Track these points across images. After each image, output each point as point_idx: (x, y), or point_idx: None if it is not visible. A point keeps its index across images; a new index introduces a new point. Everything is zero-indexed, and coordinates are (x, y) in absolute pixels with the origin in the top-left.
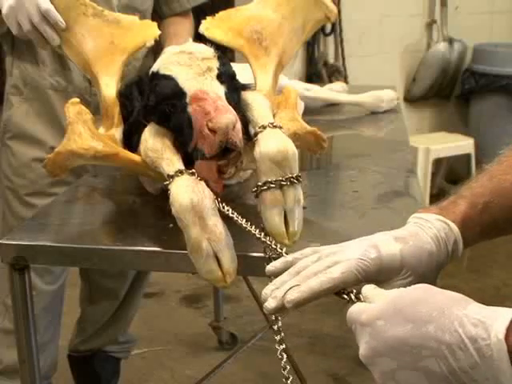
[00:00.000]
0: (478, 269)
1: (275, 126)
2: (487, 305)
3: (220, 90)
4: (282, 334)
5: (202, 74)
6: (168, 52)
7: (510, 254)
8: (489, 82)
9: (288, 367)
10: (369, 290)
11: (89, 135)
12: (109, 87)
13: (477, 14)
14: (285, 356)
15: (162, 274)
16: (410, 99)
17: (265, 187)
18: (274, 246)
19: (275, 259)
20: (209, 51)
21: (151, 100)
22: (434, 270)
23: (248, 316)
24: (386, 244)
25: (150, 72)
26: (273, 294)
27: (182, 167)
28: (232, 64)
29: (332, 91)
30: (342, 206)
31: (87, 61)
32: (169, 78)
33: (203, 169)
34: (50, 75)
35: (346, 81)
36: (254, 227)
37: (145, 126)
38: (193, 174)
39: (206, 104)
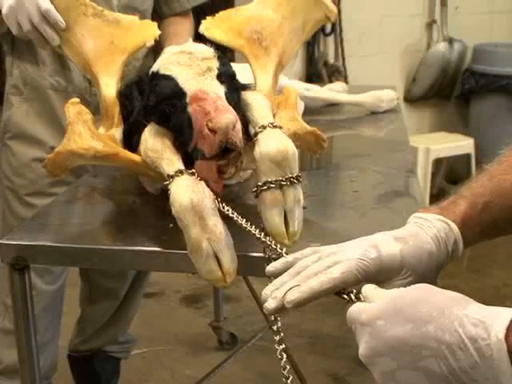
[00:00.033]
0: (478, 269)
1: (275, 126)
2: (487, 305)
3: (220, 90)
4: (282, 334)
5: (201, 74)
6: (168, 52)
7: (510, 254)
8: (489, 82)
9: (288, 367)
10: (369, 289)
11: (89, 135)
12: (109, 87)
13: (477, 13)
14: (284, 356)
15: (162, 273)
16: (410, 99)
17: (265, 187)
18: (273, 246)
19: (275, 259)
20: (209, 51)
21: (151, 100)
22: (434, 269)
23: (248, 316)
24: (386, 244)
25: (150, 72)
26: (273, 294)
27: (182, 167)
28: (232, 64)
29: (332, 91)
30: (342, 205)
31: (87, 61)
32: (169, 78)
33: (203, 169)
34: (50, 75)
35: (346, 81)
36: (253, 227)
37: (145, 126)
38: (193, 173)
39: (206, 104)
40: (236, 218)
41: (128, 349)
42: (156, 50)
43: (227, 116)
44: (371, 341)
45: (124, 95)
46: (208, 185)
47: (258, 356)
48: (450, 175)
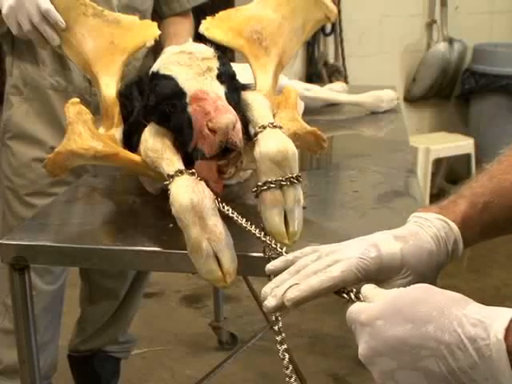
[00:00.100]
0: (478, 269)
1: (275, 126)
2: (487, 305)
3: (220, 90)
4: (284, 335)
5: (202, 74)
6: (168, 52)
7: (510, 254)
8: (489, 82)
9: (291, 367)
10: (368, 289)
11: (89, 135)
12: (109, 87)
13: (477, 13)
14: (287, 356)
15: (162, 273)
16: (410, 99)
17: (265, 187)
18: (273, 246)
19: (275, 259)
20: (209, 51)
21: (151, 100)
22: (434, 269)
23: (248, 316)
24: (386, 243)
25: (150, 72)
26: (272, 292)
27: (182, 167)
28: (232, 64)
29: (332, 91)
30: (342, 205)
31: (87, 61)
32: (169, 78)
33: (203, 169)
34: (50, 75)
35: (346, 81)
36: (254, 227)
37: (145, 126)
38: (193, 174)
39: (206, 104)
40: (236, 218)
41: (128, 349)
42: (156, 50)
43: (227, 116)
44: (371, 341)
45: (124, 95)
46: (208, 185)
47: (258, 356)
48: (450, 175)
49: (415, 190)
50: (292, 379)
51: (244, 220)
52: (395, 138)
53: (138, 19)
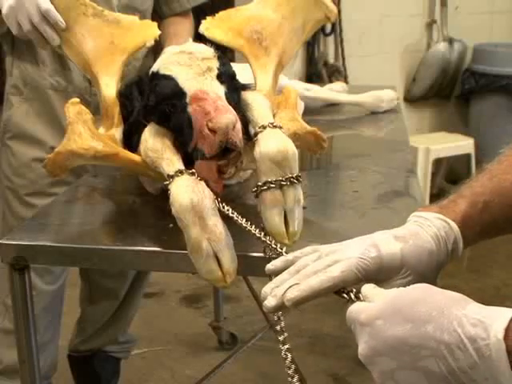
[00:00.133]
0: (478, 269)
1: (275, 126)
2: (487, 305)
3: (220, 90)
4: (286, 334)
5: (201, 74)
6: (168, 52)
7: (510, 254)
8: (489, 82)
9: (293, 366)
10: (368, 289)
11: (89, 135)
12: (109, 87)
13: (477, 14)
14: (289, 356)
15: (162, 273)
16: (410, 99)
17: (265, 187)
18: (273, 246)
19: (275, 259)
20: (209, 51)
21: (151, 100)
22: (434, 269)
23: (248, 316)
24: (386, 243)
25: (150, 72)
26: (272, 292)
27: (182, 167)
28: (232, 64)
29: (332, 91)
30: (342, 205)
31: (87, 61)
32: (169, 78)
33: (203, 169)
34: (50, 75)
35: (346, 81)
36: (254, 227)
37: (145, 126)
38: (193, 174)
39: (206, 104)
40: (236, 218)
41: (128, 349)
42: (156, 50)
43: (227, 116)
44: (370, 340)
45: (124, 95)
46: (208, 185)
47: (258, 356)
48: (450, 175)
49: (415, 190)
50: (294, 379)
51: (244, 220)
52: (395, 138)
53: (137, 19)
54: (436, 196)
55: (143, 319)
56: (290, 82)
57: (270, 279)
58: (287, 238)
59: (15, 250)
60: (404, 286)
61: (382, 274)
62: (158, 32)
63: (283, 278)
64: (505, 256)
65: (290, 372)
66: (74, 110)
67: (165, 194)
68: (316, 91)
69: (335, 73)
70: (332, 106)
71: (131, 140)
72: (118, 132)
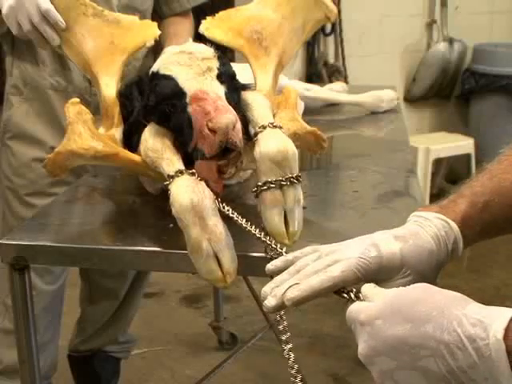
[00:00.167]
0: (478, 269)
1: (275, 126)
2: (487, 305)
3: (220, 90)
4: (289, 334)
5: (201, 74)
6: (168, 52)
7: (510, 254)
8: (489, 82)
9: (296, 366)
10: (368, 288)
11: (89, 135)
12: (109, 87)
13: (477, 14)
14: (292, 356)
15: (162, 273)
16: (410, 99)
17: (265, 187)
18: (274, 246)
19: (276, 259)
20: (209, 51)
21: (151, 100)
22: (434, 268)
23: (248, 316)
24: (386, 243)
25: (150, 72)
26: (273, 292)
27: (182, 167)
28: (232, 64)
29: (332, 91)
30: (342, 205)
31: (87, 61)
32: (169, 78)
33: (203, 169)
34: (50, 75)
35: (346, 81)
36: (254, 227)
37: (145, 126)
38: (193, 174)
39: (206, 104)
40: (236, 218)
41: (128, 349)
42: (156, 50)
43: (227, 116)
44: (370, 340)
45: (124, 95)
46: (208, 185)
47: (258, 356)
48: (450, 175)
49: (415, 189)
50: (297, 379)
51: (244, 220)
52: (395, 138)
53: (137, 19)
54: (436, 196)
55: (143, 319)
56: (289, 82)
57: (271, 279)
58: (287, 238)
59: (15, 250)
60: (404, 286)
61: (382, 273)
62: (158, 32)
63: (283, 278)
64: (505, 256)
65: (292, 372)
66: (74, 110)
67: (165, 194)
68: (316, 91)
69: (335, 73)
70: (332, 105)
71: (131, 140)
72: (118, 132)
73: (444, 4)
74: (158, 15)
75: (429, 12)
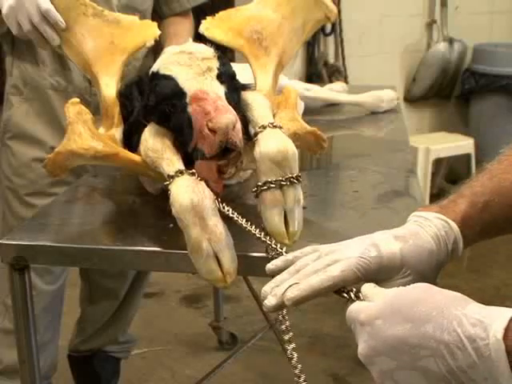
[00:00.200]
0: (478, 269)
1: (275, 126)
2: (487, 305)
3: (220, 90)
4: (291, 334)
5: (201, 74)
6: (168, 52)
7: (510, 254)
8: (489, 82)
9: (299, 366)
10: (368, 288)
11: (89, 135)
12: (109, 87)
13: (477, 14)
14: (295, 355)
15: (162, 273)
16: (410, 99)
17: (265, 187)
18: (274, 246)
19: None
20: (209, 51)
21: (151, 100)
22: (434, 268)
23: (248, 316)
24: (386, 243)
25: (150, 72)
26: (273, 291)
27: (182, 167)
28: (232, 64)
29: (332, 91)
30: (342, 205)
31: (87, 61)
32: (169, 78)
33: (203, 169)
34: (50, 75)
35: (346, 81)
36: (254, 227)
37: (145, 126)
38: (193, 174)
39: (206, 104)
40: (236, 218)
41: (128, 349)
42: (156, 50)
43: (227, 116)
44: (370, 340)
45: (124, 95)
46: (208, 185)
47: (258, 356)
48: (450, 175)
49: (415, 189)
50: (301, 379)
51: (244, 220)
52: (395, 138)
53: (137, 19)
54: (436, 196)
55: (143, 319)
56: (290, 82)
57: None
58: (287, 238)
59: (15, 250)
60: (404, 286)
61: (382, 273)
62: (158, 32)
63: (283, 278)
64: (505, 256)
65: (296, 372)
66: (74, 110)
67: (165, 194)
68: (316, 91)
69: (335, 73)
70: (332, 105)
71: (131, 140)
72: (118, 132)
73: (444, 4)
74: (158, 15)
75: (429, 12)
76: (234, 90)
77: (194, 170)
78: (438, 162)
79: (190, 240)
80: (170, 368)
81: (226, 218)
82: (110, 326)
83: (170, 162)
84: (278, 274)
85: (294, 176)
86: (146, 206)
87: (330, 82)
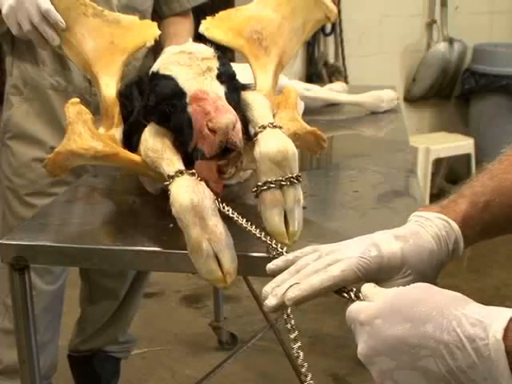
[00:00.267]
0: (478, 269)
1: (275, 126)
2: (487, 305)
3: (220, 90)
4: (297, 332)
5: (201, 74)
6: (168, 52)
7: (510, 254)
8: (489, 82)
9: (306, 364)
10: (368, 288)
11: (89, 135)
12: (109, 87)
13: (477, 14)
14: (301, 354)
15: (162, 273)
16: (410, 99)
17: (265, 187)
18: (274, 246)
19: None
20: (209, 51)
21: (151, 100)
22: (435, 268)
23: (248, 316)
24: (387, 242)
25: (150, 72)
26: (273, 291)
27: (182, 167)
28: (232, 64)
29: (332, 91)
30: (342, 205)
31: (87, 61)
32: (169, 78)
33: (203, 169)
34: (50, 75)
35: (346, 81)
36: (254, 227)
37: (145, 126)
38: (193, 174)
39: (206, 104)
40: (236, 218)
41: (128, 349)
42: (156, 50)
43: (227, 116)
44: (370, 340)
45: (124, 95)
46: (208, 185)
47: (258, 356)
48: (450, 175)
49: (415, 189)
50: (308, 378)
51: (244, 220)
52: (395, 138)
53: (137, 19)
54: (436, 196)
55: (143, 319)
56: (290, 81)
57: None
58: (287, 238)
59: (15, 250)
60: (404, 286)
61: (383, 273)
62: (158, 32)
63: (284, 278)
64: (505, 256)
65: (303, 370)
66: (74, 110)
67: (165, 194)
68: (316, 91)
69: (335, 73)
70: (332, 105)
71: (131, 140)
72: (118, 132)
73: (444, 4)
74: (158, 15)
75: (429, 12)
76: (234, 90)
77: (193, 170)
78: (438, 162)
79: (190, 240)
80: (170, 368)
81: (226, 218)
82: (110, 326)
83: (170, 162)
84: (278, 273)
85: (294, 176)
86: (146, 205)
87: (330, 82)
